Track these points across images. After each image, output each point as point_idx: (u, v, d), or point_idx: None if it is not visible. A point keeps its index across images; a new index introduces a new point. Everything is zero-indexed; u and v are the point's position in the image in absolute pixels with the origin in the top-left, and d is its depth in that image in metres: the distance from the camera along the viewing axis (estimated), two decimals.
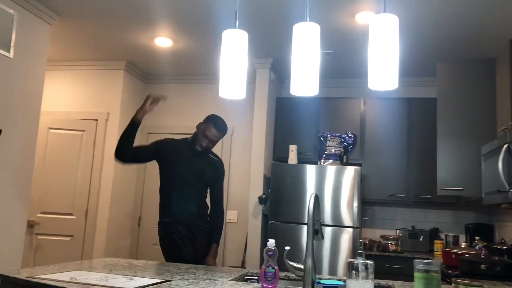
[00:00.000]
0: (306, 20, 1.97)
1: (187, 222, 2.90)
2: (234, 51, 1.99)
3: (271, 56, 4.46)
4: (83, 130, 4.87)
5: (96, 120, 4.88)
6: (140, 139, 5.29)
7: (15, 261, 3.44)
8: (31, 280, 1.74)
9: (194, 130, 5.13)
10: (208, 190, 3.07)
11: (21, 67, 3.49)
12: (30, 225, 4.57)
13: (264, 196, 4.32)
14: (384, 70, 1.80)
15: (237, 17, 2.11)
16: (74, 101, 4.98)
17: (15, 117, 3.45)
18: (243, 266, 4.49)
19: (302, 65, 1.91)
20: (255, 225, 4.38)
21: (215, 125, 2.95)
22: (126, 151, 2.91)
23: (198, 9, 3.50)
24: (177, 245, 2.87)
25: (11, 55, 3.38)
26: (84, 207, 4.72)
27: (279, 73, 4.84)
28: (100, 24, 3.92)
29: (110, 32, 4.08)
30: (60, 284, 1.67)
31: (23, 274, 1.83)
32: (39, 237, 4.66)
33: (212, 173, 3.02)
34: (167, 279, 1.93)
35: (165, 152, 2.97)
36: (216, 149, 5.11)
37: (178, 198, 2.91)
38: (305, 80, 1.89)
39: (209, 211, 3.07)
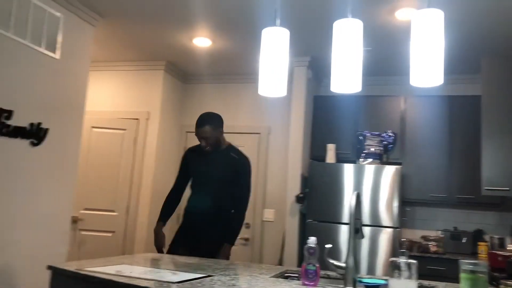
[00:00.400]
0: (348, 17, 1.95)
1: (197, 217, 3.07)
2: (274, 48, 1.99)
3: (309, 55, 4.44)
4: (125, 129, 4.99)
5: (137, 119, 5.00)
6: (179, 138, 5.39)
7: (61, 255, 3.57)
8: (79, 272, 1.81)
9: (231, 129, 5.20)
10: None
11: (66, 67, 3.61)
12: (74, 221, 4.72)
13: (301, 195, 4.31)
14: (428, 66, 1.76)
15: (277, 15, 2.12)
16: (116, 100, 5.12)
17: (61, 116, 3.58)
18: (280, 264, 4.49)
19: (344, 62, 1.89)
20: (293, 224, 4.38)
21: (196, 124, 3.10)
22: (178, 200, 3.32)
23: (236, 8, 3.53)
24: (177, 236, 3.13)
25: (57, 56, 3.51)
26: (125, 203, 4.84)
27: (317, 71, 4.81)
28: (141, 25, 4.01)
29: (150, 33, 4.17)
30: (106, 277, 1.73)
31: (72, 267, 1.90)
32: (82, 232, 4.82)
33: (229, 171, 3.07)
34: (209, 274, 1.96)
35: (189, 158, 3.25)
36: (252, 148, 5.17)
37: (194, 196, 3.15)
38: (347, 77, 1.88)
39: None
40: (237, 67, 5.02)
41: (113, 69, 5.13)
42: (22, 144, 3.21)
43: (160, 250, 3.11)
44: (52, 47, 3.45)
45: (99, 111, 5.07)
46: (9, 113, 3.06)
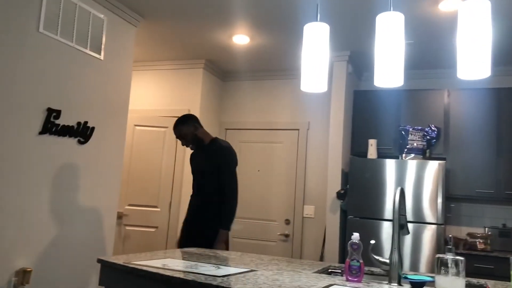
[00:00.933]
0: (390, 10, 1.92)
1: (191, 210, 3.27)
2: (315, 44, 1.99)
3: (348, 49, 4.39)
4: (166, 127, 5.10)
5: (178, 117, 5.08)
6: (218, 135, 5.45)
7: (107, 249, 3.70)
8: (127, 265, 1.87)
9: (270, 125, 5.22)
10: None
11: (110, 68, 3.73)
12: (119, 216, 4.87)
13: (342, 191, 4.27)
14: (475, 58, 1.71)
15: (318, 10, 2.10)
16: (157, 99, 5.23)
17: (106, 115, 3.69)
18: (321, 260, 4.47)
19: (387, 56, 1.86)
20: (334, 220, 4.35)
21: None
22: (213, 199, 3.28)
23: (276, 5, 3.53)
24: (181, 232, 3.32)
25: (101, 57, 3.62)
26: (168, 199, 4.95)
27: (357, 65, 4.75)
28: (181, 24, 4.08)
29: (190, 31, 4.24)
30: (153, 270, 1.78)
31: (120, 260, 1.96)
32: (127, 227, 4.96)
33: (211, 163, 3.20)
34: (252, 269, 1.98)
35: (191, 160, 3.44)
36: (291, 144, 5.17)
37: (193, 191, 3.34)
38: (389, 71, 1.85)
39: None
40: (275, 64, 5.02)
41: (154, 68, 5.24)
42: (70, 142, 3.33)
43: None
44: (96, 48, 3.57)
45: (141, 110, 5.20)
46: (57, 113, 3.18)
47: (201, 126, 3.33)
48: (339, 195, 4.29)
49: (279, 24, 3.92)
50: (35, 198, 3.03)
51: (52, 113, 3.14)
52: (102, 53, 3.62)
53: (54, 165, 3.19)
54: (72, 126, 3.32)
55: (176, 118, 5.11)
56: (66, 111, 3.26)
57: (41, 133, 3.07)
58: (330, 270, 2.25)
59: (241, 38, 4.29)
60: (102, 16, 3.59)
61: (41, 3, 3.04)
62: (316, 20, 2.07)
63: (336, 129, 4.44)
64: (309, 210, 4.94)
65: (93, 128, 3.52)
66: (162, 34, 4.38)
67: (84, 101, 3.45)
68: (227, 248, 3.15)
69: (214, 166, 3.18)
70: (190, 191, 4.92)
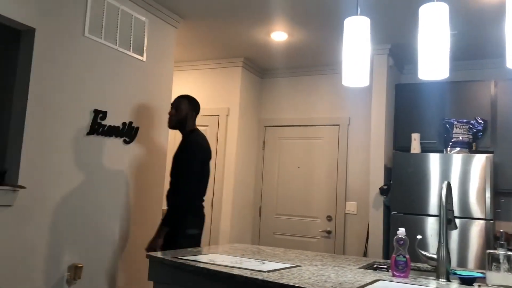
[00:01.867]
0: (433, 0, 1.88)
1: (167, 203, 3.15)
2: (356, 38, 1.97)
3: (389, 42, 4.31)
4: (207, 125, 5.17)
5: (218, 115, 5.16)
6: (258, 133, 5.48)
7: None
8: (175, 260, 1.92)
9: (310, 121, 5.20)
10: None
11: (152, 69, 3.82)
12: (163, 214, 4.98)
13: (385, 187, 4.21)
14: None
15: (358, 3, 2.09)
16: (198, 98, 5.25)
17: (150, 115, 3.79)
18: (365, 256, 4.43)
19: (431, 48, 1.83)
20: (377, 216, 4.29)
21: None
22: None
23: (314, 0, 3.51)
24: None
25: (144, 58, 3.72)
26: (210, 196, 5.02)
27: (398, 58, 4.66)
28: (220, 23, 4.13)
29: (229, 30, 4.28)
30: (201, 265, 1.82)
31: (168, 256, 2.02)
32: None
33: (179, 155, 3.11)
34: (297, 264, 1.99)
35: None
36: (332, 140, 5.13)
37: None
38: (434, 63, 1.81)
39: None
40: (313, 59, 5.00)
41: (194, 68, 5.33)
42: (116, 142, 3.44)
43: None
44: (139, 50, 3.66)
45: None
46: (104, 114, 3.30)
47: (195, 116, 3.29)
48: (382, 191, 4.23)
49: (318, 19, 3.90)
50: (85, 196, 3.15)
51: (99, 114, 3.26)
52: (144, 54, 3.71)
53: (101, 165, 3.30)
54: (118, 127, 3.43)
55: (216, 117, 5.23)
56: (112, 112, 3.37)
57: (88, 133, 3.18)
58: (375, 266, 2.23)
59: (279, 35, 4.29)
60: (143, 18, 3.69)
61: (85, 8, 3.15)
62: (357, 14, 2.05)
63: (377, 124, 4.37)
64: (351, 207, 4.89)
65: (137, 128, 3.62)
66: (201, 34, 4.44)
67: (129, 102, 3.56)
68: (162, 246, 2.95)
69: (180, 158, 3.11)
70: (232, 188, 5.03)
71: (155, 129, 3.85)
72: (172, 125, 3.23)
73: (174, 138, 5.14)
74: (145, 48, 3.72)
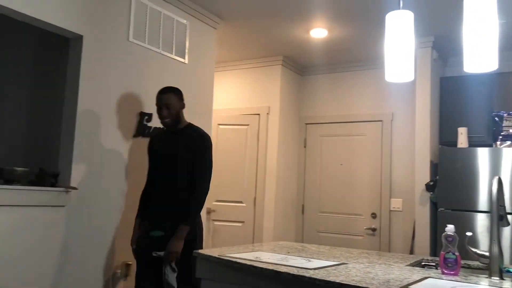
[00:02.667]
0: None
1: (155, 201, 2.81)
2: (399, 32, 1.94)
3: (432, 34, 4.20)
4: (248, 125, 5.22)
5: (258, 114, 5.19)
6: (299, 130, 5.47)
7: None
8: (222, 258, 1.96)
9: (351, 118, 5.14)
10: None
11: (194, 70, 3.89)
12: (208, 212, 5.07)
13: (432, 183, 4.11)
14: None
15: None
16: (238, 98, 5.36)
17: (193, 116, 3.84)
18: (411, 254, 4.34)
19: (477, 39, 1.77)
20: (423, 213, 4.20)
21: (159, 92, 2.88)
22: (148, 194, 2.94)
23: None
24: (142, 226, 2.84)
25: (186, 60, 3.79)
26: (252, 195, 5.06)
27: (442, 51, 4.53)
28: (259, 23, 4.15)
29: (268, 29, 4.30)
30: (247, 262, 1.85)
31: (215, 253, 2.06)
32: (215, 222, 5.16)
33: (186, 151, 2.79)
34: (343, 262, 1.99)
35: (152, 145, 2.99)
36: (375, 136, 5.05)
37: (152, 179, 2.90)
38: (482, 55, 1.76)
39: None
40: (354, 55, 4.94)
41: (234, 68, 5.38)
42: None
43: (132, 249, 2.86)
44: (181, 53, 3.74)
45: (223, 109, 5.36)
46: (149, 116, 3.39)
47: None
48: (428, 187, 4.13)
49: (359, 15, 3.85)
50: (132, 196, 3.25)
51: (144, 117, 3.35)
52: (186, 57, 3.79)
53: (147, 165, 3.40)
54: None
55: (257, 116, 5.26)
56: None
57: (135, 135, 3.28)
58: (423, 263, 2.19)
59: (318, 32, 4.27)
60: (184, 21, 3.76)
61: (129, 14, 3.25)
62: (399, 8, 2.02)
63: (422, 119, 4.27)
64: (396, 203, 4.80)
65: None
66: (240, 34, 4.48)
67: None
68: (188, 248, 2.57)
69: (190, 154, 2.78)
70: (274, 186, 5.04)
71: None
72: (169, 126, 2.86)
73: (217, 137, 5.22)
74: (186, 51, 3.79)
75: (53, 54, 3.45)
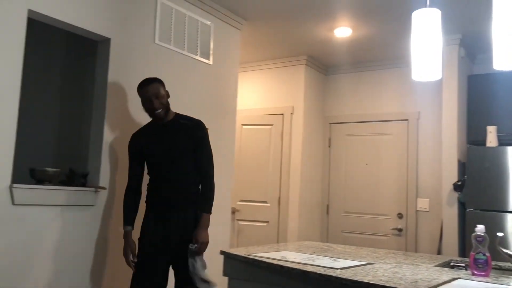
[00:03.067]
0: None
1: (164, 202, 2.64)
2: (426, 31, 1.92)
3: (460, 31, 4.13)
4: (271, 125, 5.23)
5: (282, 114, 5.19)
6: (323, 130, 5.44)
7: (224, 242, 3.90)
8: (249, 257, 1.97)
9: (376, 117, 5.09)
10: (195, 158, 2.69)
11: (218, 72, 3.92)
12: (232, 211, 5.10)
13: (459, 183, 4.04)
14: None
15: None
16: (262, 98, 5.38)
17: (217, 117, 3.89)
18: (439, 254, 4.27)
19: (507, 35, 1.74)
20: (451, 214, 4.13)
21: (141, 85, 2.69)
22: (138, 195, 2.79)
23: None
24: (145, 230, 2.65)
25: (210, 61, 3.82)
26: (276, 195, 5.07)
27: (470, 48, 4.44)
28: (283, 23, 4.15)
29: (291, 29, 4.29)
30: (274, 262, 1.86)
31: (241, 252, 2.08)
32: (240, 222, 5.19)
33: (186, 141, 2.65)
34: (369, 262, 1.98)
35: (136, 144, 2.76)
36: (401, 135, 4.99)
37: (154, 180, 2.70)
38: (511, 52, 1.72)
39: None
40: (379, 54, 4.89)
41: (258, 68, 5.40)
42: None
43: (128, 261, 2.65)
44: (205, 54, 3.77)
45: (247, 109, 5.38)
46: None
47: None
48: (456, 187, 4.06)
49: (384, 13, 3.81)
50: None
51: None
52: (211, 58, 3.82)
53: None
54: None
55: (281, 116, 5.26)
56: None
57: None
58: (452, 264, 2.16)
59: (343, 31, 4.24)
60: (209, 23, 3.80)
61: (155, 16, 3.30)
62: (425, 6, 1.99)
63: (449, 118, 4.20)
64: (423, 203, 4.74)
65: (207, 130, 3.73)
66: (264, 35, 4.49)
67: (197, 104, 3.68)
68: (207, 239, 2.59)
69: (191, 144, 2.65)
70: (298, 186, 5.03)
71: (223, 129, 3.96)
72: (161, 117, 2.68)
73: (241, 137, 5.25)
74: (211, 52, 3.82)
75: (82, 56, 3.53)
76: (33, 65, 3.05)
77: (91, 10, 2.85)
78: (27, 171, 2.66)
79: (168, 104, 2.70)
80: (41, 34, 3.29)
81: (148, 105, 2.63)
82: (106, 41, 2.98)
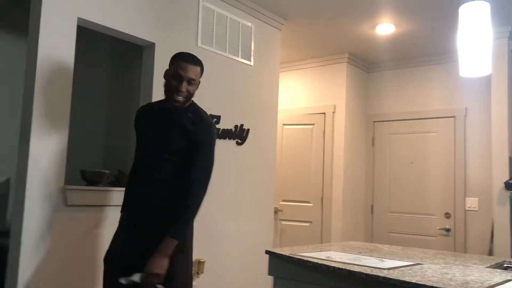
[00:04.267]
0: None
1: (138, 204, 2.17)
2: (474, 25, 1.86)
3: (509, 24, 3.97)
4: (313, 124, 5.20)
5: (324, 113, 5.16)
6: (366, 128, 5.37)
7: (267, 242, 3.92)
8: (294, 256, 1.98)
9: (421, 114, 4.96)
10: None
11: (259, 72, 3.94)
12: (275, 211, 5.11)
13: (511, 181, 3.88)
14: None
15: None
16: (303, 97, 5.36)
17: (258, 117, 3.92)
18: (490, 255, 4.12)
19: None
20: (503, 213, 3.97)
21: (181, 57, 2.19)
22: None
23: None
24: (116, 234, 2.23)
25: (251, 62, 3.86)
26: (319, 195, 5.04)
27: None
28: (324, 21, 4.13)
29: (332, 27, 4.26)
30: (319, 262, 1.86)
31: (286, 252, 2.09)
32: (282, 222, 5.19)
33: (182, 139, 2.13)
34: (418, 262, 1.94)
35: (140, 120, 2.34)
36: (447, 133, 4.85)
37: (134, 172, 2.29)
38: None
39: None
40: (423, 49, 4.77)
41: (298, 67, 5.38)
42: (230, 144, 3.62)
43: None
44: (247, 55, 3.81)
45: (288, 109, 5.37)
46: (218, 118, 3.49)
47: None
48: (508, 185, 3.90)
49: (428, 8, 3.72)
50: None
51: (213, 119, 3.45)
52: (252, 59, 3.85)
53: (218, 166, 3.47)
54: (231, 129, 3.60)
55: (322, 115, 5.22)
56: (225, 116, 3.55)
57: None
58: (505, 265, 2.09)
59: (385, 27, 4.17)
60: (249, 24, 3.83)
61: (197, 20, 3.37)
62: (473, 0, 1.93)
63: (499, 114, 4.04)
64: (472, 203, 4.58)
65: (248, 130, 3.77)
66: (304, 34, 4.48)
67: (239, 105, 3.72)
68: (174, 269, 2.01)
69: (187, 144, 2.12)
70: (341, 186, 4.99)
71: (265, 129, 3.98)
72: (177, 107, 2.19)
73: (282, 137, 5.25)
74: (252, 53, 3.85)
75: (127, 61, 3.65)
76: (82, 70, 3.17)
77: (136, 17, 2.94)
78: (79, 173, 2.77)
79: (192, 95, 2.24)
80: (89, 40, 3.42)
81: (174, 84, 2.14)
82: (151, 46, 3.07)
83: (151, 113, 2.31)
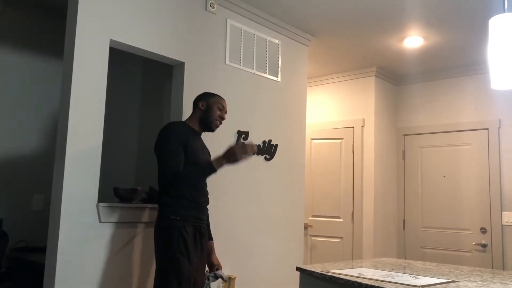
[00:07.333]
0: None
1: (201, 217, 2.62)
2: (505, 37, 1.83)
3: None
4: (342, 138, 5.17)
5: (353, 127, 5.12)
6: (396, 142, 5.29)
7: (298, 258, 3.89)
8: (325, 273, 1.96)
9: (453, 127, 4.85)
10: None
11: (287, 88, 3.96)
12: (305, 227, 5.07)
13: None
14: None
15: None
16: (331, 111, 5.34)
17: (287, 132, 3.93)
18: None
19: None
20: None
21: (217, 95, 2.76)
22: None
23: (451, 1, 3.34)
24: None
25: (279, 79, 3.88)
26: (350, 210, 4.98)
27: None
28: (351, 36, 4.13)
29: (360, 42, 4.25)
30: (351, 279, 1.83)
31: (317, 269, 2.07)
32: (313, 238, 5.15)
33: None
34: (453, 279, 1.89)
35: (189, 138, 2.56)
36: (481, 145, 4.72)
37: (196, 193, 2.61)
38: None
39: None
40: (453, 61, 4.70)
41: (326, 82, 5.38)
42: (258, 159, 3.64)
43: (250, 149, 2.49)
44: (274, 72, 3.84)
45: (316, 124, 5.36)
46: (246, 134, 3.52)
47: None
48: None
49: (456, 20, 3.68)
50: (234, 211, 3.37)
51: (242, 135, 3.48)
52: (279, 75, 3.88)
53: (247, 181, 3.51)
54: (259, 145, 3.62)
55: (351, 129, 5.17)
56: (253, 131, 3.57)
57: None
58: None
59: (413, 40, 4.13)
60: (276, 41, 3.86)
61: (225, 38, 3.42)
62: (503, 11, 1.91)
63: None
64: (509, 217, 4.43)
65: (276, 145, 3.78)
66: (332, 49, 4.49)
67: (267, 121, 3.74)
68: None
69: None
70: (372, 200, 4.91)
71: (293, 144, 3.98)
72: (212, 131, 2.78)
73: (310, 152, 5.23)
74: (279, 69, 3.88)
75: (158, 80, 3.73)
76: (115, 90, 3.27)
77: (166, 37, 3.02)
78: (111, 190, 2.83)
79: None
80: (120, 60, 3.52)
81: (220, 116, 2.70)
82: (180, 65, 3.14)
83: (193, 135, 2.64)
